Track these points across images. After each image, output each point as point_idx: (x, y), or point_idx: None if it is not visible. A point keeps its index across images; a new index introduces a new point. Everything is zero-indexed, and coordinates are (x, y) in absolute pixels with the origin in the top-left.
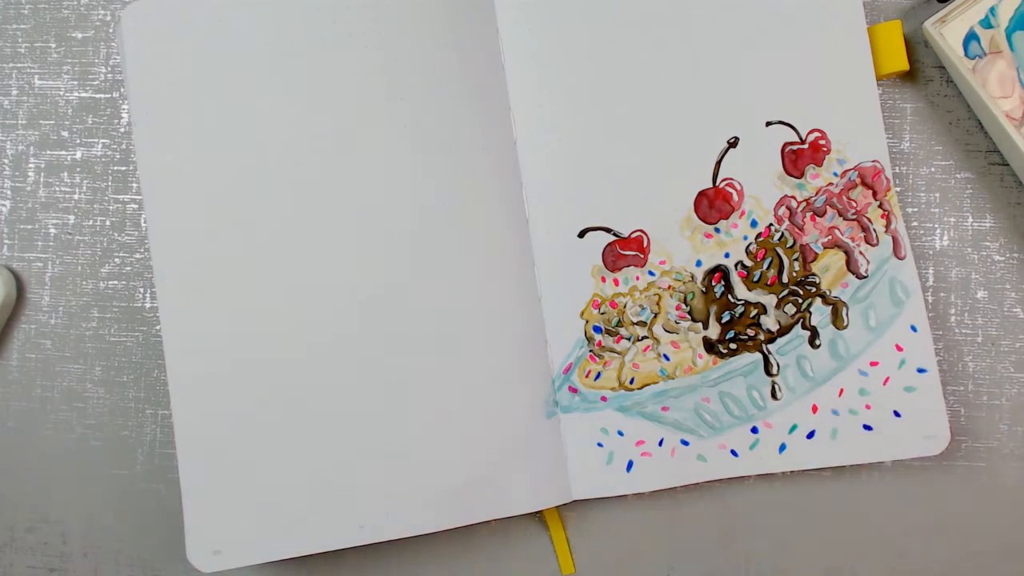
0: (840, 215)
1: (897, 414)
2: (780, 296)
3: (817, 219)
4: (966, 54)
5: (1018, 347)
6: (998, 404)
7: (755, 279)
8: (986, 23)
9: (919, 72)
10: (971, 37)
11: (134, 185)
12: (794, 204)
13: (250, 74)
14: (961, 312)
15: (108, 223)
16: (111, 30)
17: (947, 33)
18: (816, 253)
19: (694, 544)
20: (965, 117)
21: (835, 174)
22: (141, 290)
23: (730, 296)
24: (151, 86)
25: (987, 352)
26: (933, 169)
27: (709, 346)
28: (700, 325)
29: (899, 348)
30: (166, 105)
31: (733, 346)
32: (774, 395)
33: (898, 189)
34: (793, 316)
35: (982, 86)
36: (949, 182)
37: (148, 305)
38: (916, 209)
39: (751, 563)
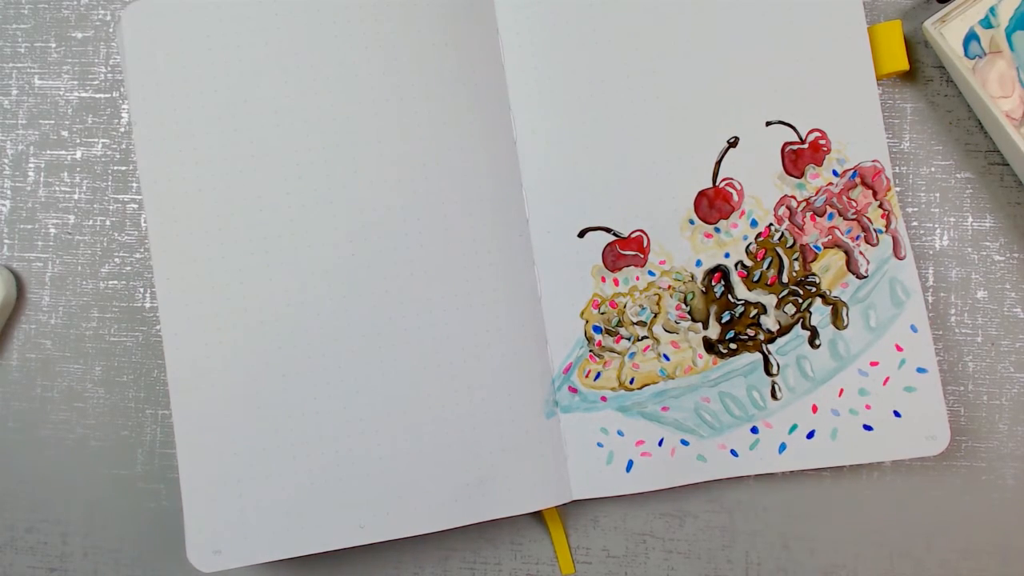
0: (840, 215)
1: (897, 414)
2: (780, 296)
3: (817, 219)
4: (966, 54)
5: (1018, 347)
6: (998, 404)
7: (755, 279)
8: (986, 23)
9: (919, 72)
10: (971, 37)
11: (134, 185)
12: (794, 204)
13: (250, 73)
14: (961, 312)
15: (108, 223)
16: (111, 30)
17: (947, 33)
18: (816, 253)
19: (694, 544)
20: (965, 117)
21: (835, 174)
22: (141, 290)
23: (730, 296)
24: (151, 86)
25: (987, 352)
26: (933, 169)
27: (709, 346)
28: (700, 325)
29: (899, 348)
30: (166, 105)
31: (733, 346)
32: (774, 395)
33: (898, 189)
34: (793, 316)
35: (982, 86)
36: (949, 182)
37: (148, 305)
38: (916, 209)
39: (751, 563)
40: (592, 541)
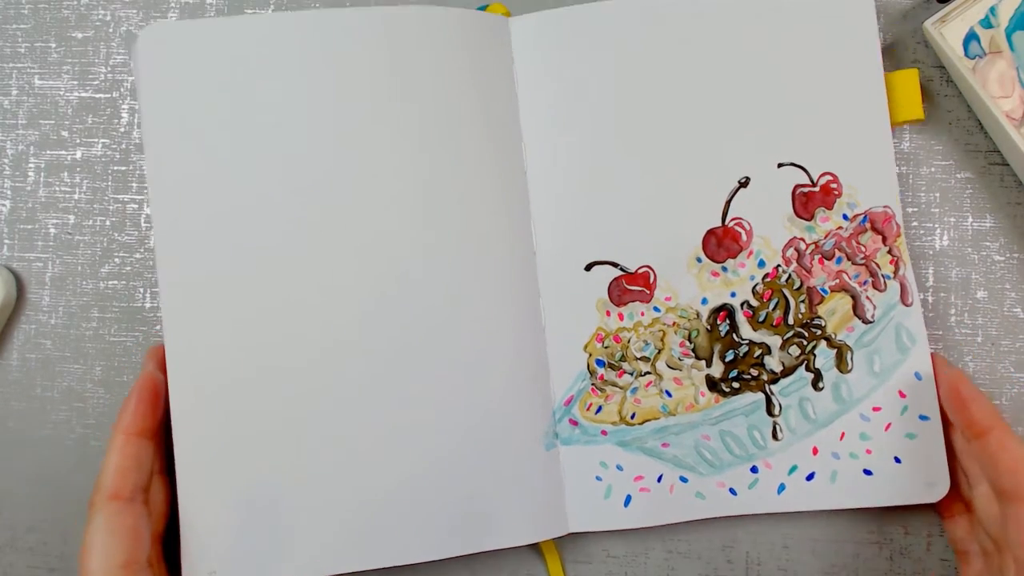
0: (849, 259)
1: (897, 460)
2: (785, 337)
3: (825, 262)
4: (966, 54)
5: (1018, 347)
6: (998, 404)
7: (761, 319)
8: (986, 23)
9: (919, 72)
10: (971, 37)
11: (134, 185)
12: (803, 246)
13: (266, 99)
14: (961, 312)
15: (108, 223)
16: (111, 30)
17: (947, 33)
18: (823, 296)
19: (694, 544)
20: (965, 117)
21: (845, 218)
22: (141, 290)
23: (735, 335)
24: (166, 108)
25: (987, 352)
26: (933, 169)
27: (712, 384)
28: (703, 363)
29: (902, 395)
30: (180, 126)
31: (736, 385)
32: (775, 435)
33: (898, 190)
34: (797, 358)
35: (982, 86)
36: (949, 182)
37: (148, 305)
38: (916, 209)
39: (751, 563)
40: (592, 542)
